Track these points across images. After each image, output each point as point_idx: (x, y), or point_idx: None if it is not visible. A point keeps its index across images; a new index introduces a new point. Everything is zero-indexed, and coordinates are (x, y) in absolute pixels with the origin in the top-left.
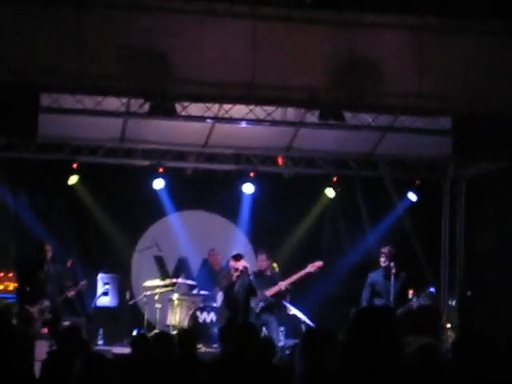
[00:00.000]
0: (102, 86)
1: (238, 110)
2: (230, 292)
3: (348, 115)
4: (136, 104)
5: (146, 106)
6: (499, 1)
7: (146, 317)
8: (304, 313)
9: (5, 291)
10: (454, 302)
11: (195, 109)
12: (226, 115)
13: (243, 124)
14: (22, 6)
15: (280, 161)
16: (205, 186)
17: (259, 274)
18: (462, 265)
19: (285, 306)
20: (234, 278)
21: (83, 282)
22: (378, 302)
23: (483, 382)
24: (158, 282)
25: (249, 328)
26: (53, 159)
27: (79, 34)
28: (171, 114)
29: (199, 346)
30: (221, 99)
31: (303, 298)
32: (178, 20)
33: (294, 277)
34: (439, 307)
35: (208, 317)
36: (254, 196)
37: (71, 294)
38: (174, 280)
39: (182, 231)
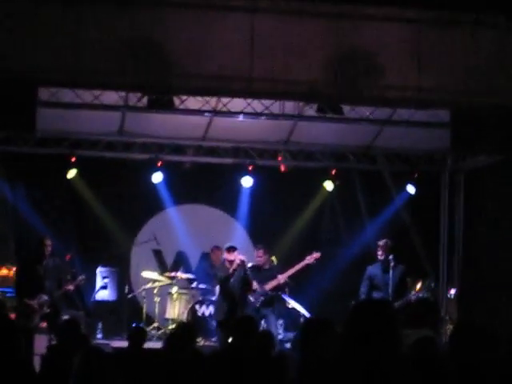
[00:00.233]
0: (101, 79)
1: (237, 103)
2: (226, 285)
3: (346, 108)
4: (134, 98)
5: (145, 100)
6: None
7: (144, 310)
8: (303, 306)
9: (4, 285)
10: (452, 295)
11: (193, 102)
12: (224, 109)
13: (241, 117)
14: (20, 0)
15: (279, 156)
16: (203, 180)
17: (257, 268)
18: (461, 257)
19: (284, 300)
20: (230, 271)
21: (82, 277)
22: (376, 295)
23: (480, 373)
24: (156, 275)
25: (247, 321)
26: (51, 153)
27: (78, 28)
28: (169, 107)
29: (198, 339)
30: (219, 93)
31: (302, 292)
32: (177, 14)
33: (293, 269)
34: (438, 300)
35: (207, 310)
36: (253, 189)
37: (70, 287)
38: (173, 274)
39: (180, 225)
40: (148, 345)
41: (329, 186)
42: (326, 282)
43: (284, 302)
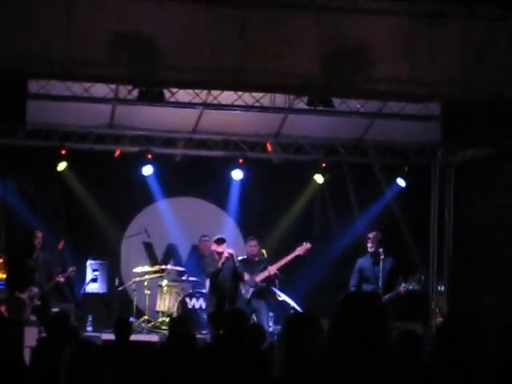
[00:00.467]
0: (91, 72)
1: (227, 96)
2: (215, 279)
3: (337, 101)
4: (125, 90)
5: (135, 93)
6: None
7: (135, 303)
8: (293, 299)
9: None
10: (442, 287)
11: (184, 95)
12: (215, 101)
13: (232, 110)
14: None
15: (269, 147)
16: (194, 173)
17: (247, 260)
18: (451, 250)
19: (274, 292)
20: (219, 264)
21: (72, 268)
22: (366, 287)
23: (465, 366)
24: (147, 268)
25: (237, 314)
26: (41, 145)
27: (67, 21)
28: (160, 100)
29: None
30: (209, 85)
31: (292, 284)
32: (167, 6)
33: (283, 261)
34: (428, 292)
35: (197, 303)
36: (243, 182)
37: (61, 279)
38: (163, 266)
39: (170, 218)
40: (138, 337)
41: (319, 178)
42: (316, 274)
43: (274, 294)
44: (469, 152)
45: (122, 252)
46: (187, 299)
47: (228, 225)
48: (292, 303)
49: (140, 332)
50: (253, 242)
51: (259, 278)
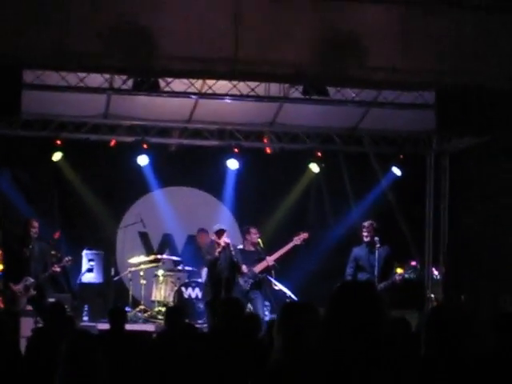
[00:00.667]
0: (86, 62)
1: (222, 85)
2: (213, 268)
3: (331, 90)
4: (119, 80)
5: (130, 82)
6: None
7: (130, 293)
8: (289, 288)
9: None
10: (438, 276)
11: (179, 85)
12: (210, 91)
13: (227, 99)
14: None
15: (264, 137)
16: (189, 162)
17: (243, 250)
18: (447, 238)
19: (270, 282)
20: (216, 254)
21: (68, 258)
22: (361, 276)
23: (450, 356)
24: (142, 258)
25: (233, 303)
26: (37, 136)
27: (62, 11)
28: (155, 89)
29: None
30: (204, 75)
31: (288, 274)
32: None
33: (281, 251)
34: (423, 281)
35: (193, 292)
36: (239, 171)
37: (57, 269)
38: (159, 256)
39: (166, 207)
40: (134, 327)
41: (314, 167)
42: (311, 263)
43: (270, 283)
44: (464, 140)
45: (117, 242)
46: (183, 289)
47: (223, 214)
48: (288, 292)
49: (136, 322)
50: (255, 230)
51: (258, 269)
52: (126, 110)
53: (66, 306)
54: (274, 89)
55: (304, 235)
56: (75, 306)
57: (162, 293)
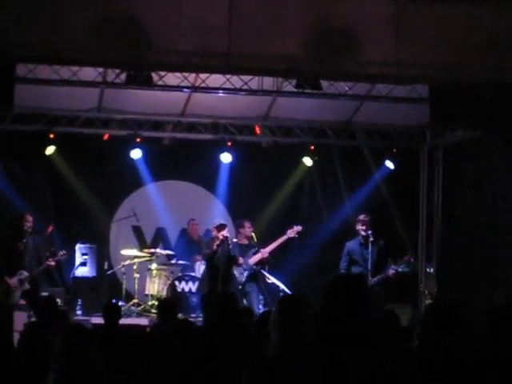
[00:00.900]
0: (79, 56)
1: (215, 79)
2: (211, 261)
3: (325, 84)
4: (113, 74)
5: (123, 76)
6: None
7: (124, 287)
8: (282, 281)
9: None
10: (431, 270)
11: (172, 78)
12: (203, 84)
13: (220, 93)
14: None
15: (257, 130)
16: (182, 156)
17: (238, 244)
18: (440, 231)
19: (264, 275)
20: (214, 248)
21: (62, 252)
22: (355, 270)
23: (446, 351)
24: (136, 251)
25: (227, 297)
26: (30, 130)
27: (55, 4)
28: (148, 83)
29: (178, 315)
30: (198, 68)
31: (281, 267)
32: None
33: (275, 243)
34: (417, 274)
35: (186, 286)
36: (232, 165)
37: (51, 263)
38: (153, 250)
39: (159, 201)
40: (127, 321)
41: (308, 161)
42: (305, 257)
43: (264, 277)
44: (457, 134)
45: (111, 236)
46: (176, 282)
47: (217, 208)
48: (282, 286)
49: (129, 315)
50: (248, 223)
51: (253, 261)
52: (120, 103)
53: (60, 300)
54: (268, 82)
55: (298, 228)
56: (68, 300)
57: (155, 287)
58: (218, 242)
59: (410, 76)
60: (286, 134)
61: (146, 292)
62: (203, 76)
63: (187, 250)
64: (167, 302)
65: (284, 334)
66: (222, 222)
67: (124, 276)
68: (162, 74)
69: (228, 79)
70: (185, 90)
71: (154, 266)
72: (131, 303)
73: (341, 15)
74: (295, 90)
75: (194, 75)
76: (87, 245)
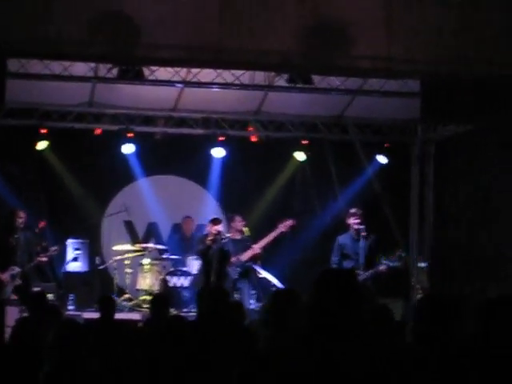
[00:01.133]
0: (70, 50)
1: (207, 73)
2: (206, 257)
3: (317, 78)
4: (104, 69)
5: (115, 71)
6: None
7: (116, 282)
8: (275, 276)
9: None
10: (423, 264)
11: (164, 73)
12: (195, 79)
13: (212, 88)
14: None
15: (250, 126)
16: (174, 151)
17: (231, 239)
18: (432, 226)
19: (256, 270)
20: (207, 242)
21: (54, 248)
22: (347, 264)
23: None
24: (128, 246)
25: (218, 292)
26: (21, 124)
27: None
28: (139, 78)
29: (170, 310)
30: (189, 63)
31: (274, 261)
32: None
33: (267, 238)
34: (409, 269)
35: (178, 281)
36: (224, 160)
37: (43, 259)
38: (144, 245)
39: (151, 196)
40: (120, 316)
41: (300, 156)
42: (297, 251)
43: (256, 272)
44: (449, 128)
45: (102, 231)
46: (168, 277)
47: (209, 203)
48: (274, 281)
49: (122, 310)
50: (239, 218)
51: (244, 257)
52: (111, 98)
53: (52, 295)
54: (259, 77)
55: (289, 222)
56: (60, 295)
57: (147, 281)
58: (211, 237)
59: (401, 70)
60: (277, 128)
61: (138, 287)
62: (195, 71)
63: (179, 245)
64: (159, 297)
65: (275, 329)
66: (217, 217)
67: (116, 271)
68: (154, 68)
69: (219, 74)
70: (176, 84)
71: (145, 260)
72: (123, 298)
73: (333, 10)
74: (287, 85)
75: (185, 70)
76: (79, 240)
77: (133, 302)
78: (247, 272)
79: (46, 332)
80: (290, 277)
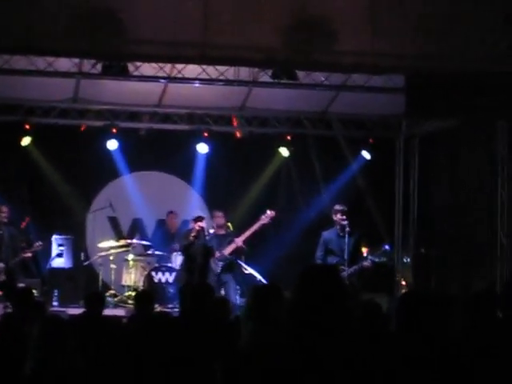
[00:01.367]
0: (53, 46)
1: (191, 69)
2: (188, 253)
3: (301, 74)
4: (88, 64)
5: (99, 67)
6: None
7: (101, 277)
8: (259, 272)
9: None
10: (408, 259)
11: (148, 69)
12: (179, 75)
13: (196, 84)
14: None
15: (234, 121)
16: (159, 146)
17: (214, 235)
18: (416, 221)
19: (240, 265)
20: (191, 239)
21: (38, 243)
22: (331, 260)
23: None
24: (112, 242)
25: (203, 288)
26: (5, 120)
27: None
28: (124, 74)
29: (155, 305)
30: (173, 59)
31: (258, 257)
32: None
33: (249, 231)
34: (393, 264)
35: (163, 277)
36: (208, 156)
37: (28, 254)
38: (129, 241)
39: (136, 192)
40: (105, 312)
41: (284, 151)
42: (281, 247)
43: (240, 267)
44: (433, 124)
45: (87, 227)
46: (153, 273)
47: (193, 198)
48: (258, 276)
49: (107, 306)
50: (219, 213)
51: (227, 251)
52: (96, 94)
53: (36, 291)
54: (244, 73)
55: (271, 214)
56: (45, 291)
57: (132, 277)
58: (194, 234)
59: (385, 66)
60: (262, 124)
61: (123, 283)
62: (179, 66)
63: (164, 240)
64: (143, 293)
65: (258, 323)
66: (201, 214)
67: (100, 267)
68: (138, 64)
69: (204, 70)
70: (161, 80)
71: (130, 256)
72: (108, 294)
73: (316, 5)
74: (271, 81)
75: (170, 66)
76: (63, 236)
77: (118, 298)
78: (231, 266)
79: (31, 328)
80: (274, 272)
